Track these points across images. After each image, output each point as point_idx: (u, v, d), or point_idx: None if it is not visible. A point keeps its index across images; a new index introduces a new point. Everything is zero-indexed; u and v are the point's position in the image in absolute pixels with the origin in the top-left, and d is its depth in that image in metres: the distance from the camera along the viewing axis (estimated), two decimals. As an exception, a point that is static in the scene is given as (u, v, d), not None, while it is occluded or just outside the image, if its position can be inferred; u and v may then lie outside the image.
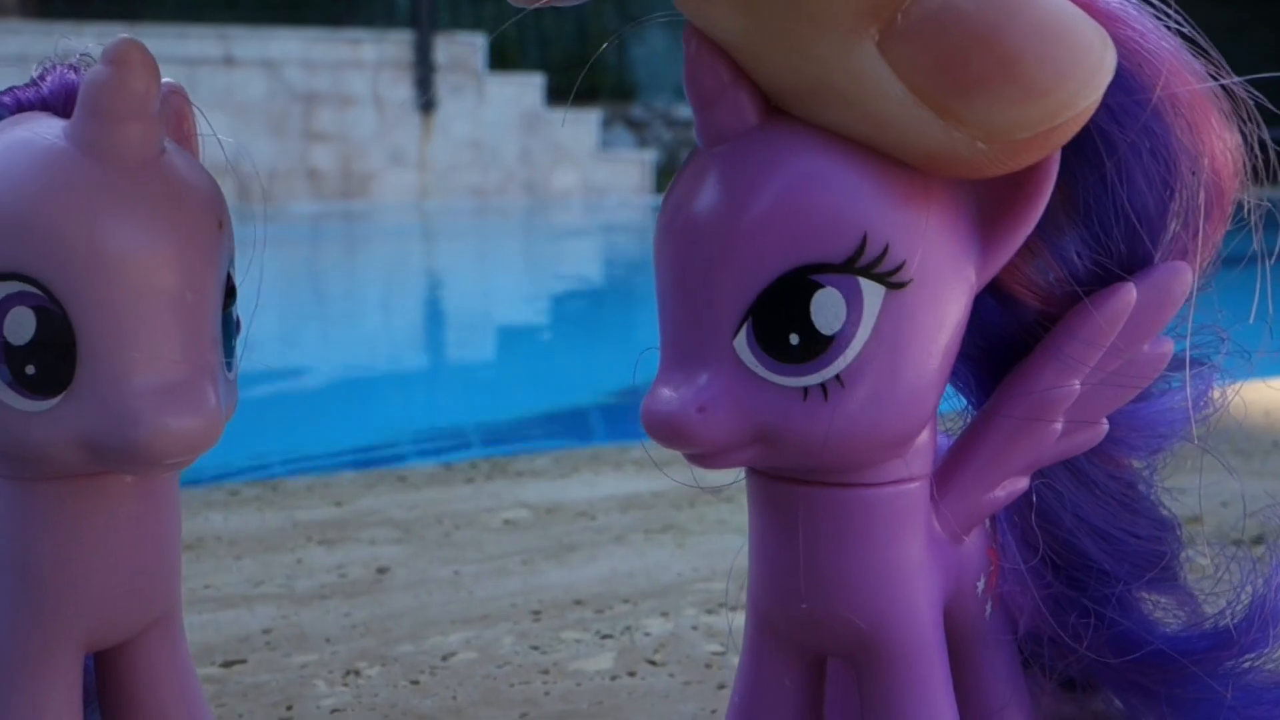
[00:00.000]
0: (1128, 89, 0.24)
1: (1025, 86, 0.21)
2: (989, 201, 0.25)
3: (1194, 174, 0.26)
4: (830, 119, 0.23)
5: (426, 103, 4.68)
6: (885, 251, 0.23)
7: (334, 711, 0.40)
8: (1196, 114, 0.26)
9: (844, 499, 0.26)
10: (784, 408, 0.24)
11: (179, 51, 4.45)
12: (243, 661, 0.45)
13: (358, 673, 0.44)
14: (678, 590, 0.52)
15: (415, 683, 0.43)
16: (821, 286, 0.23)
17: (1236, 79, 0.26)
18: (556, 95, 4.92)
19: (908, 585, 0.27)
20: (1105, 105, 0.23)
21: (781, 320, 0.23)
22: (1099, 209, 0.26)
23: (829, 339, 0.23)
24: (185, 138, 0.30)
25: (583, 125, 4.94)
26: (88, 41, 0.29)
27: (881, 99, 0.22)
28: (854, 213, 0.23)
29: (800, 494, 0.26)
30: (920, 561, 0.27)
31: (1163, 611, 0.31)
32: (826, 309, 0.23)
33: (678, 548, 0.58)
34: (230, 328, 0.29)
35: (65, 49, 0.29)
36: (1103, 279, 0.27)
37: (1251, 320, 0.28)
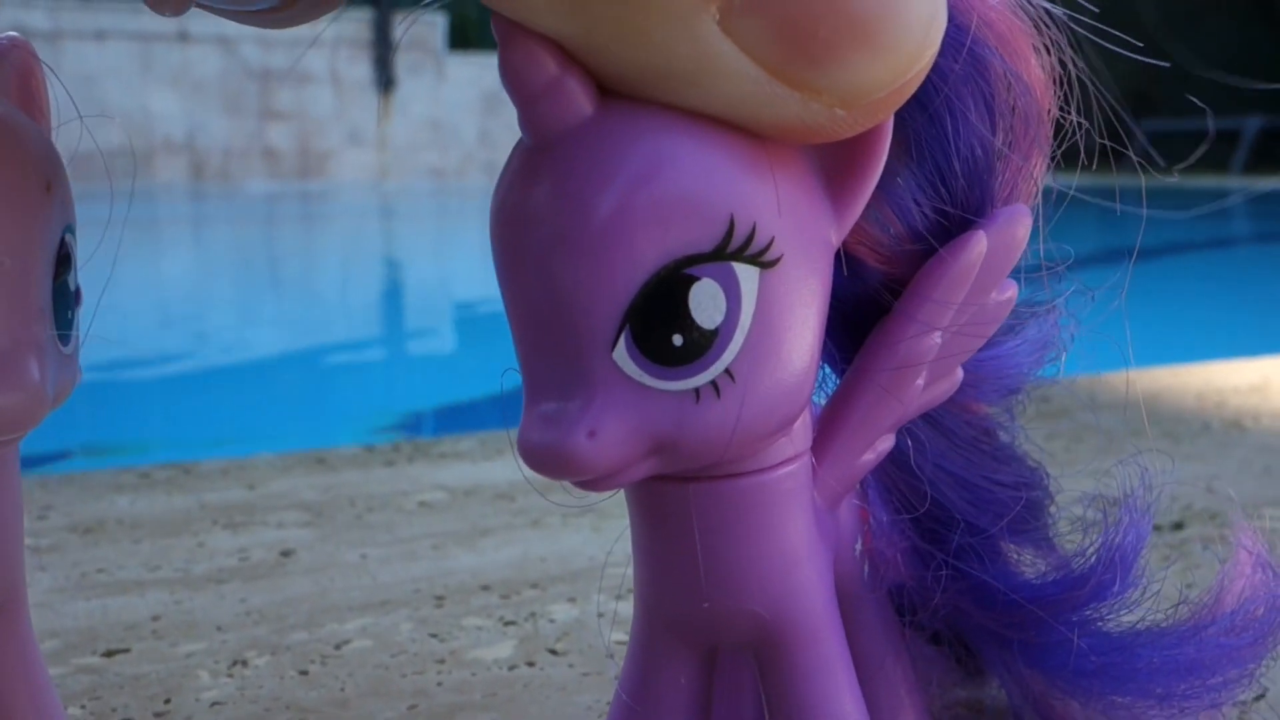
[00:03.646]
0: (949, 18, 0.24)
1: (875, 46, 0.20)
2: (832, 157, 0.23)
3: (1013, 91, 0.25)
4: (675, 101, 0.22)
5: (385, 82, 4.63)
6: (754, 230, 0.22)
7: (214, 705, 0.39)
8: (1006, 31, 0.25)
9: (735, 490, 0.25)
10: (676, 413, 0.22)
11: (132, 26, 4.38)
12: (125, 651, 0.43)
13: (245, 663, 0.42)
14: (588, 575, 0.50)
15: (304, 673, 0.41)
16: (697, 279, 0.21)
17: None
18: (517, 75, 4.88)
19: (805, 566, 0.26)
20: None
21: (661, 322, 0.21)
22: (933, 148, 0.25)
23: (713, 333, 0.22)
24: (30, 96, 0.28)
25: (544, 106, 4.90)
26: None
27: (731, 78, 0.21)
28: (717, 195, 0.21)
29: (689, 491, 0.25)
30: (813, 539, 0.26)
31: (1027, 564, 0.31)
32: (706, 302, 0.21)
33: (594, 531, 0.56)
34: (67, 299, 0.27)
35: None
36: (944, 228, 0.26)
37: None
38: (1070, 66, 0.26)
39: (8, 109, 0.26)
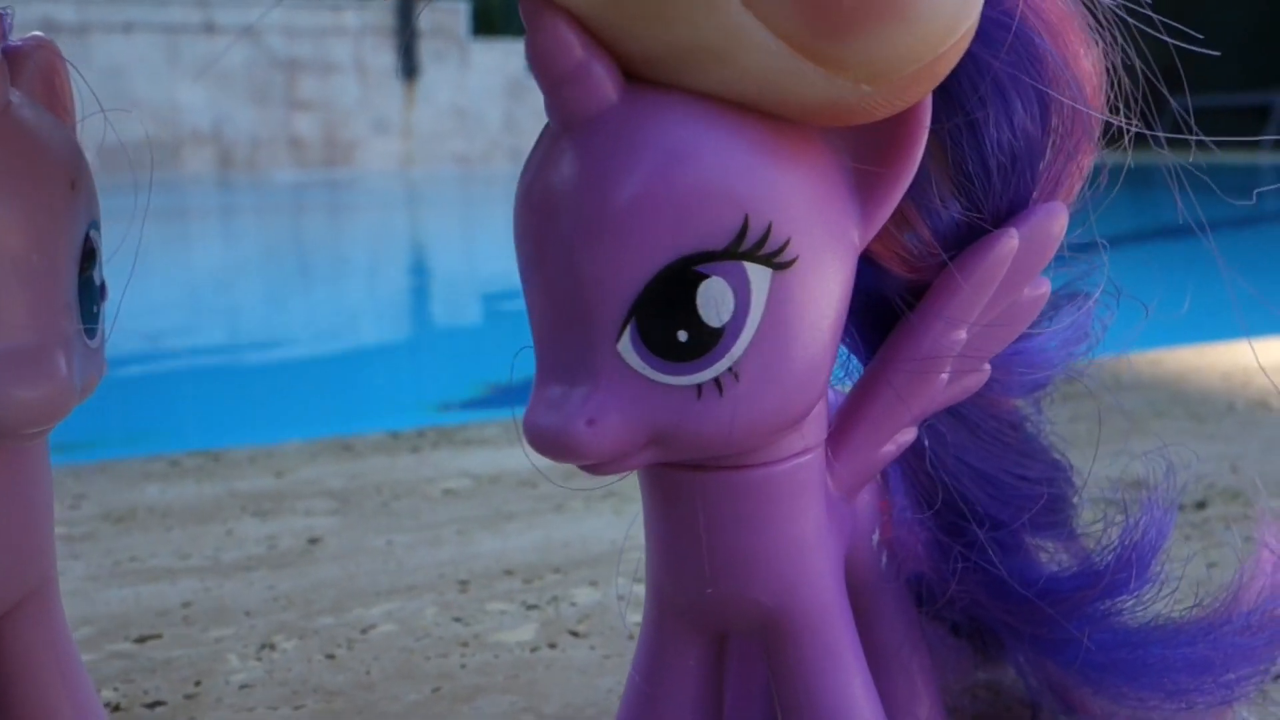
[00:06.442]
0: (997, 5, 0.23)
1: (902, 18, 0.19)
2: (863, 155, 0.23)
3: (1064, 85, 0.24)
4: (701, 83, 0.21)
5: (409, 69, 4.63)
6: (768, 231, 0.21)
7: (243, 688, 0.40)
8: (1056, 20, 0.24)
9: (743, 481, 0.25)
10: (678, 408, 0.22)
11: (159, 19, 4.40)
12: (157, 636, 0.44)
13: (273, 646, 0.43)
14: (609, 559, 0.51)
15: (331, 657, 0.42)
16: (706, 277, 0.21)
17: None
18: (541, 61, 4.88)
19: (812, 556, 0.26)
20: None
21: (667, 318, 0.21)
22: (969, 152, 0.24)
23: (718, 331, 0.22)
24: (54, 95, 0.29)
25: (568, 91, 4.90)
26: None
27: (754, 53, 0.20)
28: (732, 193, 0.21)
29: (697, 481, 0.25)
30: (821, 529, 0.26)
31: (1048, 556, 0.30)
32: (713, 300, 0.21)
33: (616, 515, 0.57)
34: (92, 293, 0.27)
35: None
36: (975, 231, 0.25)
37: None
38: (1117, 54, 0.25)
39: (34, 109, 0.26)
